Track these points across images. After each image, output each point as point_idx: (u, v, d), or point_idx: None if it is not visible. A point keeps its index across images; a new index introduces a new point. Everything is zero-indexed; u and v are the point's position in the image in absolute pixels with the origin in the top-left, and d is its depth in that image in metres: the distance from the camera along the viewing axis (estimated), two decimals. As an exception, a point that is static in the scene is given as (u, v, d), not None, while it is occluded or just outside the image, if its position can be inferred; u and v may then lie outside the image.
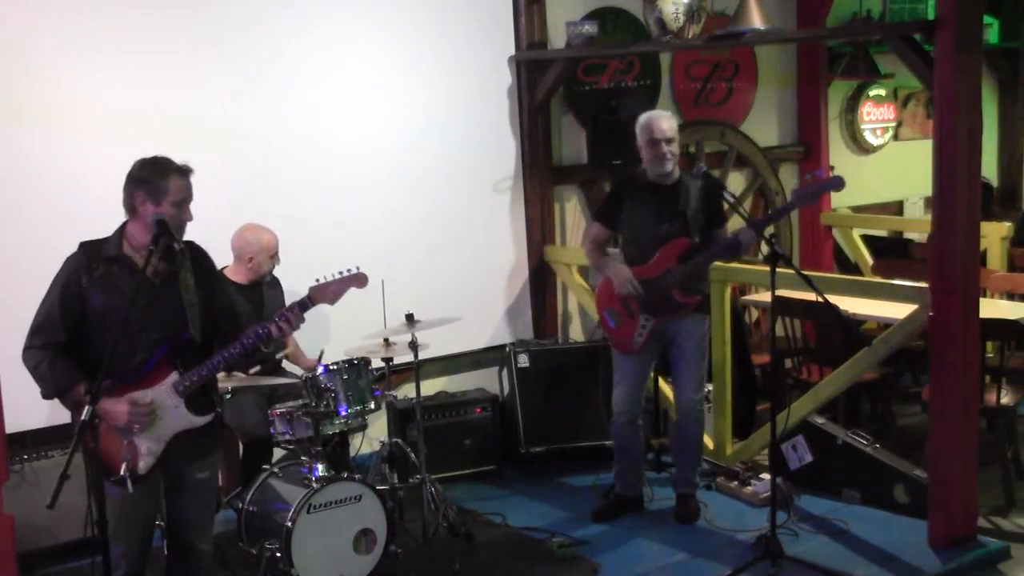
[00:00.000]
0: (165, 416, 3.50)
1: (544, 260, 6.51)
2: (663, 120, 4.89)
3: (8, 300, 4.56)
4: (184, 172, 3.53)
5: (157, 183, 3.47)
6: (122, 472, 3.40)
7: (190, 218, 3.56)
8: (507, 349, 6.10)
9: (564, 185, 6.66)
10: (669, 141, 4.85)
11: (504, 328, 6.43)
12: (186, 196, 3.52)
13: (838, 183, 4.76)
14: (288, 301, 5.34)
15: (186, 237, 3.60)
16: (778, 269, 4.45)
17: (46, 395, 3.50)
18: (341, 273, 3.75)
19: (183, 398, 3.52)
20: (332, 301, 3.72)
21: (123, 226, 3.57)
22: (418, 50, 6.02)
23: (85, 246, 3.55)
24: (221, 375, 4.53)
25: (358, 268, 3.79)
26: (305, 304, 3.65)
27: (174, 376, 3.51)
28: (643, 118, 4.94)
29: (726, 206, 4.94)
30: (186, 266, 3.59)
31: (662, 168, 4.87)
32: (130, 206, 3.51)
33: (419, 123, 6.05)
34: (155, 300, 3.50)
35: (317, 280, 3.72)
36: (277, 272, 5.22)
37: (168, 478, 3.59)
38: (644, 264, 4.92)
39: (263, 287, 5.12)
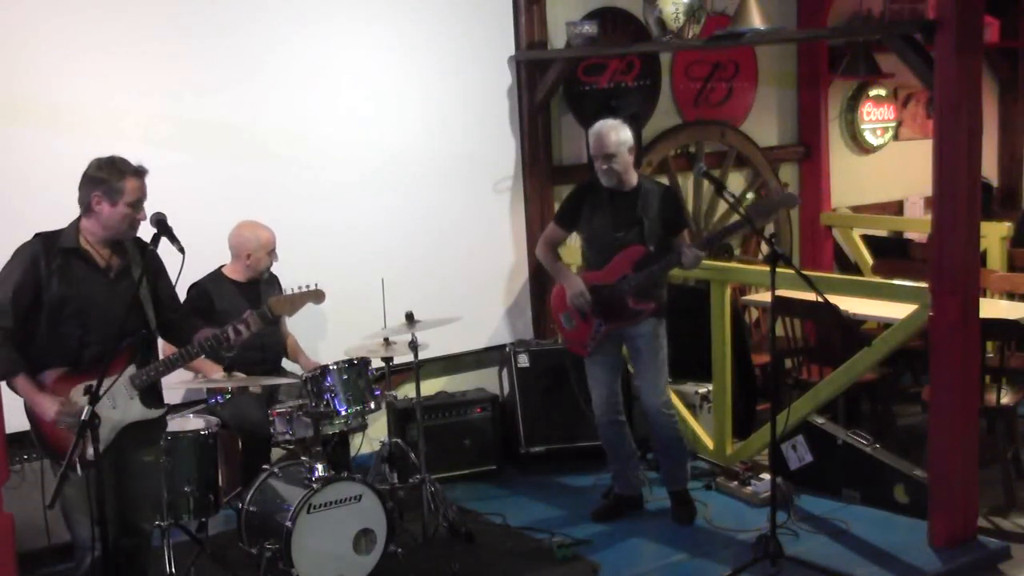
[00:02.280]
0: (120, 407, 3.61)
1: (544, 260, 6.50)
2: (610, 134, 4.81)
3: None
4: (140, 173, 3.63)
5: (113, 184, 3.58)
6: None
7: (144, 217, 3.65)
8: (507, 349, 6.09)
9: (564, 185, 6.63)
10: (609, 157, 4.80)
11: (504, 328, 6.44)
12: (141, 196, 3.63)
13: (791, 200, 4.77)
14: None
15: (185, 237, 3.61)
16: (778, 269, 4.46)
17: None
18: (301, 288, 3.89)
19: (139, 391, 3.64)
20: (290, 313, 3.88)
21: (78, 221, 3.66)
22: (418, 50, 6.02)
23: (42, 236, 3.64)
24: (221, 375, 4.57)
25: (317, 284, 3.93)
26: (265, 315, 3.76)
27: (131, 369, 3.63)
28: (592, 128, 4.91)
29: (724, 206, 4.94)
30: (136, 261, 3.68)
31: (607, 181, 4.87)
32: (86, 205, 3.62)
33: (419, 123, 6.05)
34: (111, 294, 3.60)
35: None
36: (276, 270, 5.22)
37: (116, 464, 3.66)
38: (600, 270, 4.93)
39: (260, 284, 5.12)
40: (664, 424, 5.05)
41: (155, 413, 3.73)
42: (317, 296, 3.91)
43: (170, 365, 3.69)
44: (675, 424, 5.16)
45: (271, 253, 5.10)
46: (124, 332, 3.54)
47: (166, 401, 3.90)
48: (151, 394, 3.72)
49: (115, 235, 3.65)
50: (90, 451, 3.48)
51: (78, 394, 3.55)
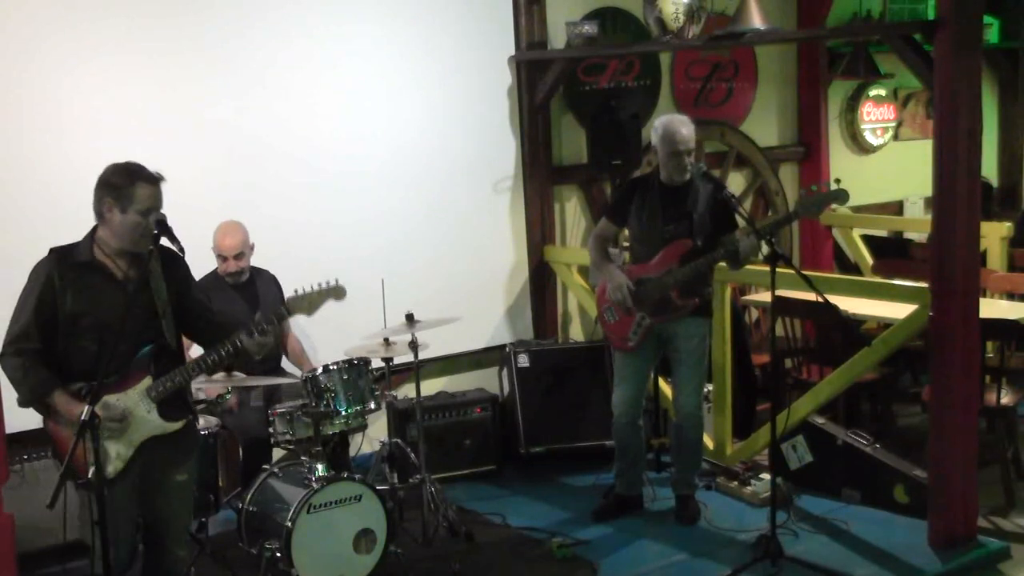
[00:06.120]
0: (137, 421, 3.49)
1: (544, 260, 6.51)
2: (683, 128, 4.81)
3: (9, 300, 4.55)
4: (154, 180, 3.49)
5: (124, 190, 3.44)
6: (89, 476, 3.35)
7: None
8: (507, 349, 6.09)
9: (564, 185, 6.66)
10: (690, 152, 4.82)
11: (504, 328, 6.44)
12: (153, 204, 3.48)
13: (842, 196, 4.75)
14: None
15: (185, 237, 3.58)
16: (778, 269, 4.46)
17: (21, 402, 3.49)
18: (320, 285, 3.69)
19: (156, 404, 3.52)
20: (309, 312, 3.68)
21: (93, 231, 3.55)
22: (418, 50, 6.02)
23: (56, 251, 3.53)
24: (221, 375, 4.57)
25: (337, 280, 3.72)
26: (281, 314, 3.63)
27: (147, 381, 3.51)
28: (663, 126, 4.85)
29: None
30: (157, 272, 3.56)
31: (682, 177, 4.85)
32: (99, 212, 3.50)
33: (419, 123, 6.05)
34: (128, 306, 3.47)
35: (296, 291, 3.67)
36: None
37: (145, 481, 3.57)
38: (647, 263, 4.93)
39: (258, 284, 5.12)
40: (692, 426, 5.07)
41: (174, 426, 3.55)
42: (338, 292, 3.70)
43: (188, 374, 3.54)
44: (701, 429, 5.18)
45: (226, 260, 5.03)
46: (139, 343, 3.46)
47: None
48: (172, 405, 3.57)
49: (127, 245, 3.50)
50: (109, 468, 3.41)
51: (113, 399, 3.46)
